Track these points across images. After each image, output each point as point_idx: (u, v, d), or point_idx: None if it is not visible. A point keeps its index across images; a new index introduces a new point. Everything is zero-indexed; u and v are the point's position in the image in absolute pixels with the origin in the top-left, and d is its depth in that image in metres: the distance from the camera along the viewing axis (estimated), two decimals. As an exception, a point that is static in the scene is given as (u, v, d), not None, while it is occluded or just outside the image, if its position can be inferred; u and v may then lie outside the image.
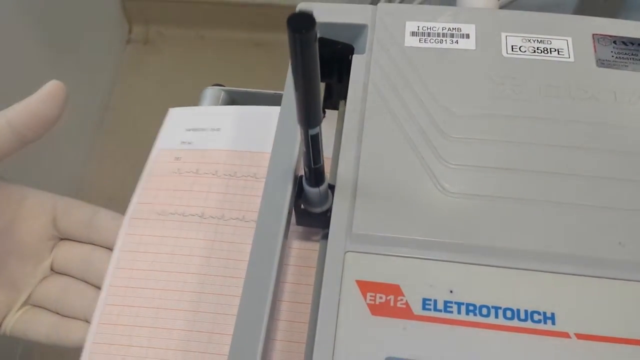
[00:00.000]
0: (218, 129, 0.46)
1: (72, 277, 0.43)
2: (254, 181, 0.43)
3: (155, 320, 0.39)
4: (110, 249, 0.42)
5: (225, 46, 1.35)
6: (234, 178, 0.43)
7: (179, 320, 0.38)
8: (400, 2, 0.47)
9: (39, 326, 0.42)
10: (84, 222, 0.43)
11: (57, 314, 0.42)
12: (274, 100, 0.50)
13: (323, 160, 0.33)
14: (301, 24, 0.24)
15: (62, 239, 0.44)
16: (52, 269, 0.44)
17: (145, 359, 0.38)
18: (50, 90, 0.42)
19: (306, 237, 0.38)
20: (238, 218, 0.41)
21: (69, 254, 0.44)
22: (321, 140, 0.31)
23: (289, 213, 0.35)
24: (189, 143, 0.45)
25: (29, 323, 0.42)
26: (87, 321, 0.40)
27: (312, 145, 0.31)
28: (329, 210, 0.35)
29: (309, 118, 0.29)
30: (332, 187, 0.35)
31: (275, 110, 0.44)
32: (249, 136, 0.45)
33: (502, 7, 0.55)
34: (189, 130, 0.46)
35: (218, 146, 0.45)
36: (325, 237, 0.34)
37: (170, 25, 1.38)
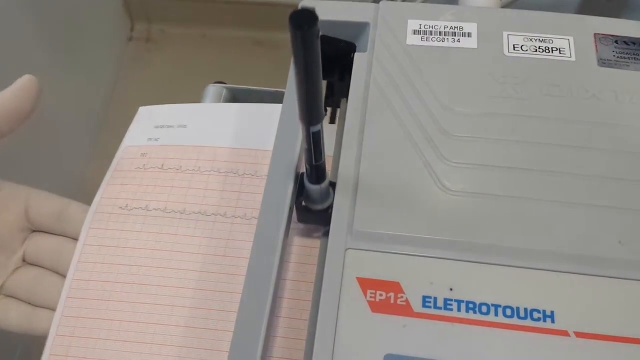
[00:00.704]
0: (184, 126, 0.47)
1: (44, 268, 0.44)
2: (217, 175, 0.44)
3: (117, 313, 0.39)
4: None
5: (227, 44, 1.35)
6: (198, 173, 0.44)
7: (139, 313, 0.39)
8: (403, 1, 0.47)
9: (11, 315, 0.42)
10: (55, 214, 0.44)
11: (29, 303, 0.43)
12: (275, 98, 0.50)
13: (324, 158, 0.33)
14: (303, 21, 0.24)
15: (34, 231, 0.45)
16: (24, 260, 0.44)
17: (105, 350, 0.38)
18: (23, 84, 0.43)
19: (307, 234, 0.39)
20: (199, 212, 0.42)
21: (40, 246, 0.44)
22: (322, 137, 0.31)
23: (290, 210, 0.35)
24: (156, 139, 0.46)
25: (1, 312, 0.43)
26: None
27: (314, 143, 0.31)
28: (330, 207, 0.35)
29: (311, 115, 0.29)
30: (333, 185, 0.35)
31: (246, 107, 0.47)
32: (214, 132, 0.46)
33: (503, 7, 0.55)
34: (157, 127, 0.47)
35: (184, 142, 0.46)
36: (326, 234, 0.34)
37: (172, 23, 1.38)
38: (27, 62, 0.98)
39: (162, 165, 0.45)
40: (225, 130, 0.46)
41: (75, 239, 0.43)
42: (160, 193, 0.43)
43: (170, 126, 0.47)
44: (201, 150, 0.45)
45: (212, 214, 0.42)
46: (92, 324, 0.39)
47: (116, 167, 0.45)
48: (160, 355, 0.38)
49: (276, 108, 0.45)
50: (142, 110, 0.49)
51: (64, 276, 0.42)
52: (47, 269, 0.44)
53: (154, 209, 0.43)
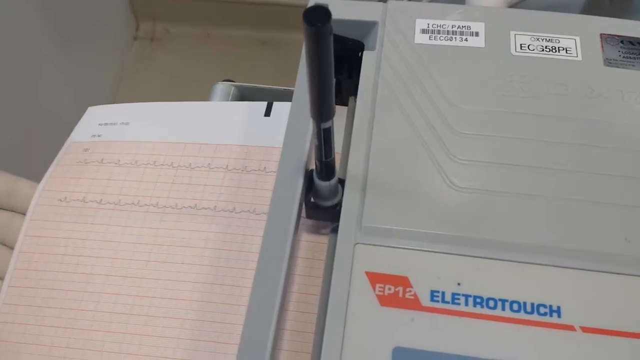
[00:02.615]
0: (127, 123, 0.49)
1: None
2: (153, 168, 0.45)
3: (60, 292, 0.42)
4: None
5: (231, 44, 1.35)
6: (134, 167, 0.46)
7: (73, 291, 0.42)
8: (411, 0, 0.47)
9: None
10: (6, 190, 0.47)
11: None
12: (283, 96, 0.51)
13: (334, 155, 0.33)
14: (317, 17, 0.24)
15: None
16: None
17: (44, 317, 0.41)
18: None
19: (316, 231, 0.39)
20: (133, 203, 0.44)
21: None
22: (333, 133, 0.32)
23: (300, 206, 0.36)
24: (99, 136, 0.48)
25: None
26: None
27: (324, 139, 0.31)
28: (339, 204, 0.35)
29: (322, 111, 0.30)
30: (342, 182, 0.36)
31: (188, 105, 0.49)
32: (154, 129, 0.48)
33: (510, 7, 0.56)
34: (101, 124, 0.49)
35: (124, 138, 0.48)
36: (335, 230, 0.34)
37: (177, 23, 1.38)
38: (33, 61, 0.98)
39: (102, 160, 0.47)
40: (164, 127, 0.48)
41: (24, 214, 0.45)
42: (98, 186, 0.45)
43: (114, 124, 0.49)
44: (140, 146, 0.47)
45: (145, 204, 0.44)
46: (35, 293, 0.42)
47: (59, 162, 0.47)
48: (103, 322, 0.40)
49: (216, 105, 0.49)
50: (90, 109, 0.51)
51: (11, 249, 0.44)
52: None
53: (90, 201, 0.45)
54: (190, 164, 0.45)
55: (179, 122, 0.48)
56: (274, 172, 0.43)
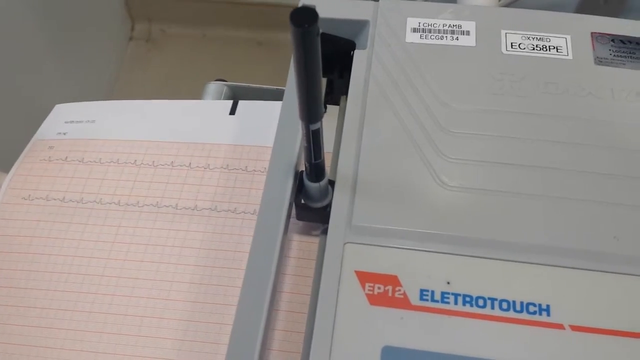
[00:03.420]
0: (93, 121, 0.49)
1: None
2: (116, 166, 0.46)
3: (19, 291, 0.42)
4: None
5: (227, 44, 1.35)
6: (98, 164, 0.46)
7: (39, 290, 0.41)
8: None
9: None
10: None
11: None
12: (276, 95, 0.51)
13: (324, 156, 0.33)
14: (304, 19, 0.24)
15: None
16: None
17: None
18: None
19: (306, 232, 0.39)
20: (95, 201, 0.44)
21: None
22: (322, 135, 0.31)
23: (290, 207, 0.36)
24: (64, 134, 0.49)
25: None
26: None
27: (313, 140, 0.31)
28: (329, 205, 0.35)
29: (310, 113, 0.30)
30: (332, 183, 0.35)
31: (151, 103, 0.50)
32: (119, 127, 0.48)
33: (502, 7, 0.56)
34: (67, 122, 0.50)
35: (89, 136, 0.48)
36: (325, 232, 0.34)
37: (172, 23, 1.38)
38: (28, 61, 0.98)
39: (66, 157, 0.47)
40: (130, 124, 0.48)
41: None
42: (61, 184, 0.45)
43: (80, 122, 0.49)
44: (104, 144, 0.47)
45: (107, 202, 0.44)
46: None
47: (23, 160, 0.48)
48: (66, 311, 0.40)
49: (182, 103, 0.49)
50: (57, 107, 0.52)
51: None
52: None
53: (53, 199, 0.45)
54: (153, 162, 0.45)
55: (144, 120, 0.48)
56: (237, 169, 0.44)
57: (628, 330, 0.30)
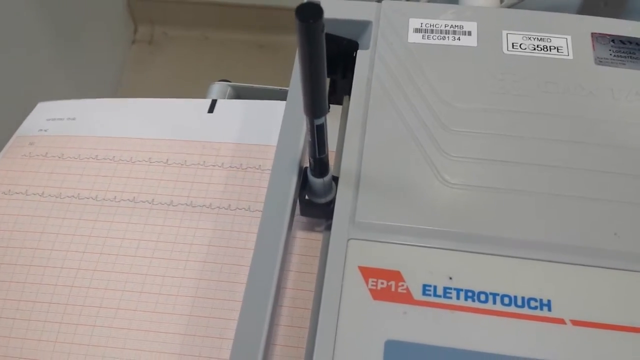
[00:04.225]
0: (74, 119, 0.50)
1: None
2: (94, 162, 0.47)
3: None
4: None
5: (229, 47, 1.36)
6: (77, 160, 0.47)
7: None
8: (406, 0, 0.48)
9: None
10: None
11: None
12: (279, 95, 0.51)
13: (327, 152, 0.34)
14: (309, 14, 0.25)
15: None
16: None
17: None
18: None
19: (310, 228, 0.39)
20: (73, 196, 0.45)
21: None
22: (326, 130, 0.32)
23: (294, 203, 0.36)
24: (45, 130, 0.50)
25: None
26: None
27: (318, 135, 0.32)
28: (333, 201, 0.36)
29: (315, 108, 0.30)
30: (335, 179, 0.36)
31: (132, 101, 0.51)
32: (99, 124, 0.49)
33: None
34: (49, 119, 0.51)
35: (69, 133, 0.49)
36: (329, 228, 0.35)
37: (175, 26, 1.39)
38: (31, 64, 0.99)
39: (46, 153, 0.48)
40: (109, 122, 0.49)
41: None
42: (41, 179, 0.46)
43: (61, 119, 0.50)
44: (83, 141, 0.48)
45: (85, 197, 0.45)
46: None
47: (4, 155, 0.48)
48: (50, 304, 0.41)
49: (161, 102, 0.50)
50: (40, 105, 0.53)
51: None
52: None
53: (32, 194, 0.46)
54: (131, 157, 0.46)
55: (123, 118, 0.49)
56: (213, 165, 0.45)
57: (628, 325, 0.30)
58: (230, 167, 0.45)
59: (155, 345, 0.38)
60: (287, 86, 0.42)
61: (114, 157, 0.47)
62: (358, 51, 0.41)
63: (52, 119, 0.51)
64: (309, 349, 0.32)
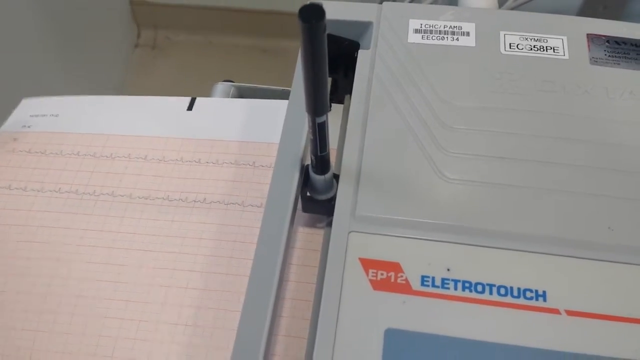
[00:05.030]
0: (57, 115, 0.51)
1: None
2: (76, 158, 0.48)
3: None
4: None
5: (232, 52, 1.37)
6: (59, 156, 0.48)
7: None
8: (405, 2, 0.49)
9: None
10: None
11: None
12: (282, 96, 0.52)
13: (329, 149, 0.34)
14: (312, 15, 0.26)
15: None
16: None
17: None
18: None
19: (312, 224, 0.40)
20: (54, 190, 0.46)
21: None
22: (328, 128, 0.33)
23: (296, 199, 0.37)
24: (29, 127, 0.51)
25: None
26: None
27: (319, 133, 0.33)
28: (334, 198, 0.36)
29: (317, 106, 0.31)
30: (336, 177, 0.37)
31: (115, 99, 0.52)
32: (79, 120, 0.51)
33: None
34: (32, 116, 0.52)
35: (52, 129, 0.50)
36: (330, 224, 0.35)
37: (178, 31, 1.40)
38: (35, 69, 1.00)
39: (30, 149, 0.49)
40: (90, 119, 0.51)
41: None
42: (24, 174, 0.48)
43: (44, 115, 0.52)
44: (65, 136, 0.50)
45: (66, 192, 0.46)
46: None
47: None
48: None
49: (143, 99, 0.52)
50: (24, 101, 0.54)
51: None
52: None
53: (15, 188, 0.47)
54: (111, 154, 0.48)
55: (105, 115, 0.51)
56: (190, 161, 0.46)
57: (621, 315, 0.31)
58: (207, 162, 0.46)
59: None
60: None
61: (94, 153, 0.48)
62: (359, 51, 0.42)
63: (36, 115, 0.52)
64: (311, 338, 0.33)
